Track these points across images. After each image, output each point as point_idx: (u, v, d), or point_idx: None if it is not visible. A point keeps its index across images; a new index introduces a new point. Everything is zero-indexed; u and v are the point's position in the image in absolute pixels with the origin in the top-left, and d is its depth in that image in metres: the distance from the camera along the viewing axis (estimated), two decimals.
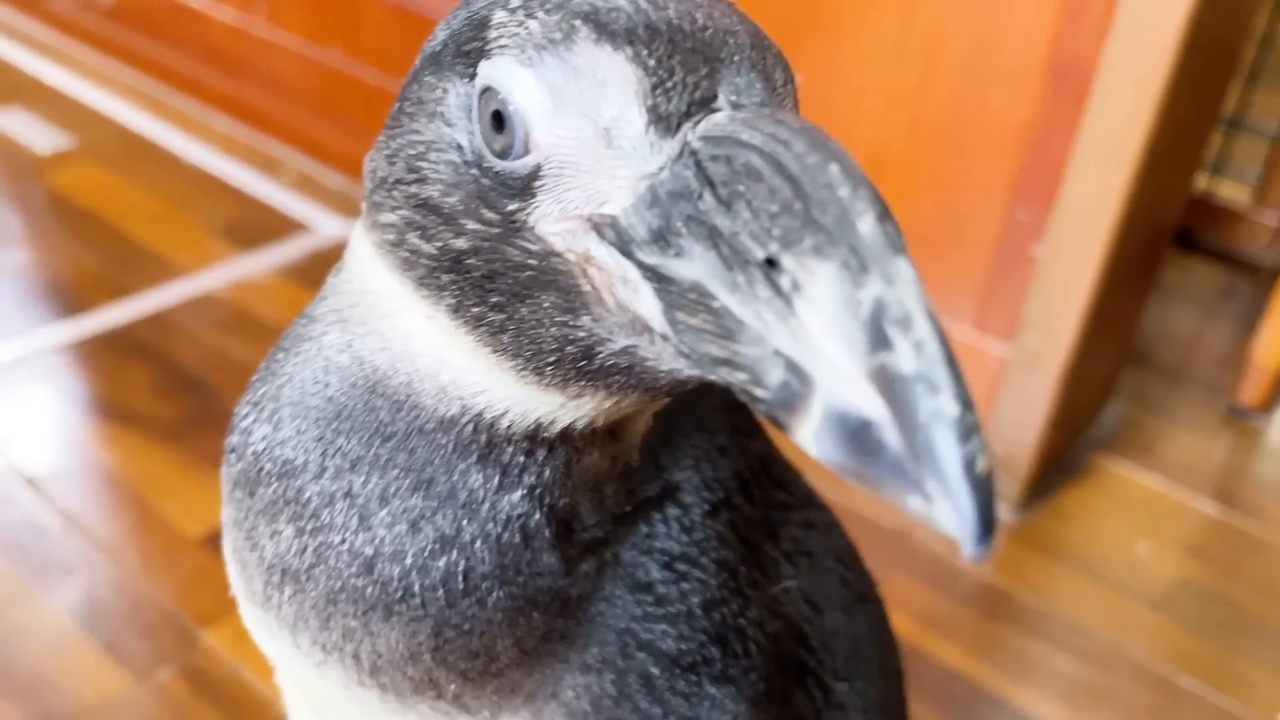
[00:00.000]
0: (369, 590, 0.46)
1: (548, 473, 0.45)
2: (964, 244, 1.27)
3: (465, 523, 0.45)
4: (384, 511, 0.46)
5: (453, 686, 0.47)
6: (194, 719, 1.01)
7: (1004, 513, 1.34)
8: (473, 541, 0.45)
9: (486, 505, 0.45)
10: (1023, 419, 1.30)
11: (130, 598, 1.11)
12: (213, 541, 1.19)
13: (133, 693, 1.02)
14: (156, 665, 1.05)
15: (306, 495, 0.47)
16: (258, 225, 1.75)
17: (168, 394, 1.39)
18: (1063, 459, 1.41)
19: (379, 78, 1.74)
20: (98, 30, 2.19)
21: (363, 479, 0.46)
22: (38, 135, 1.93)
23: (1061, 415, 1.31)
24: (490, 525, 0.45)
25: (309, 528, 0.47)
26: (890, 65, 1.23)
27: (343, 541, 0.47)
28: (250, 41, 1.90)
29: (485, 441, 0.45)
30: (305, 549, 0.47)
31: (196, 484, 1.26)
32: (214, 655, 1.06)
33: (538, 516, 0.45)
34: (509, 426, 0.44)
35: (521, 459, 0.45)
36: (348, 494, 0.46)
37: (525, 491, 0.45)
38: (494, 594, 0.45)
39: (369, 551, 0.46)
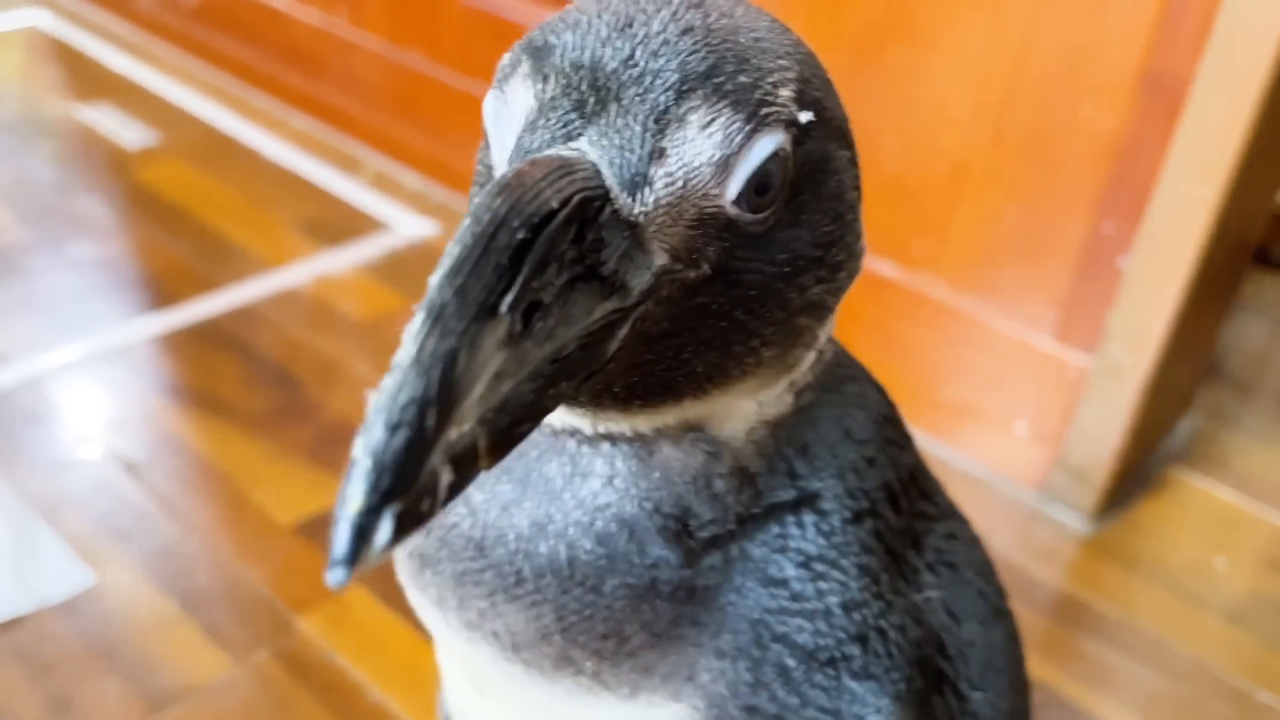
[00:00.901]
0: (486, 574, 0.48)
1: (619, 463, 0.46)
2: (1047, 255, 1.27)
3: (552, 509, 0.47)
4: (480, 496, 0.48)
5: (589, 664, 0.48)
6: (291, 701, 1.04)
7: (1079, 523, 1.35)
8: (566, 529, 0.46)
9: (567, 493, 0.46)
10: (1102, 430, 1.30)
11: (227, 583, 1.15)
12: (303, 530, 1.22)
13: (233, 674, 1.05)
14: (254, 648, 1.08)
15: None
16: (338, 223, 1.78)
17: (255, 385, 1.43)
18: (1138, 471, 1.41)
19: (459, 80, 1.77)
20: (180, 29, 2.24)
21: None
22: (125, 131, 1.98)
23: (1140, 427, 1.31)
24: (578, 513, 0.46)
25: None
26: (977, 75, 1.24)
27: (455, 525, 0.49)
28: (332, 42, 1.94)
29: (549, 432, 0.47)
30: (430, 532, 0.50)
31: (286, 474, 1.29)
32: (308, 641, 1.09)
33: (631, 508, 0.46)
34: (556, 423, 0.47)
35: (587, 450, 0.46)
36: None
37: (603, 481, 0.46)
38: (608, 582, 0.46)
39: (478, 535, 0.48)
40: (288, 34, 2.01)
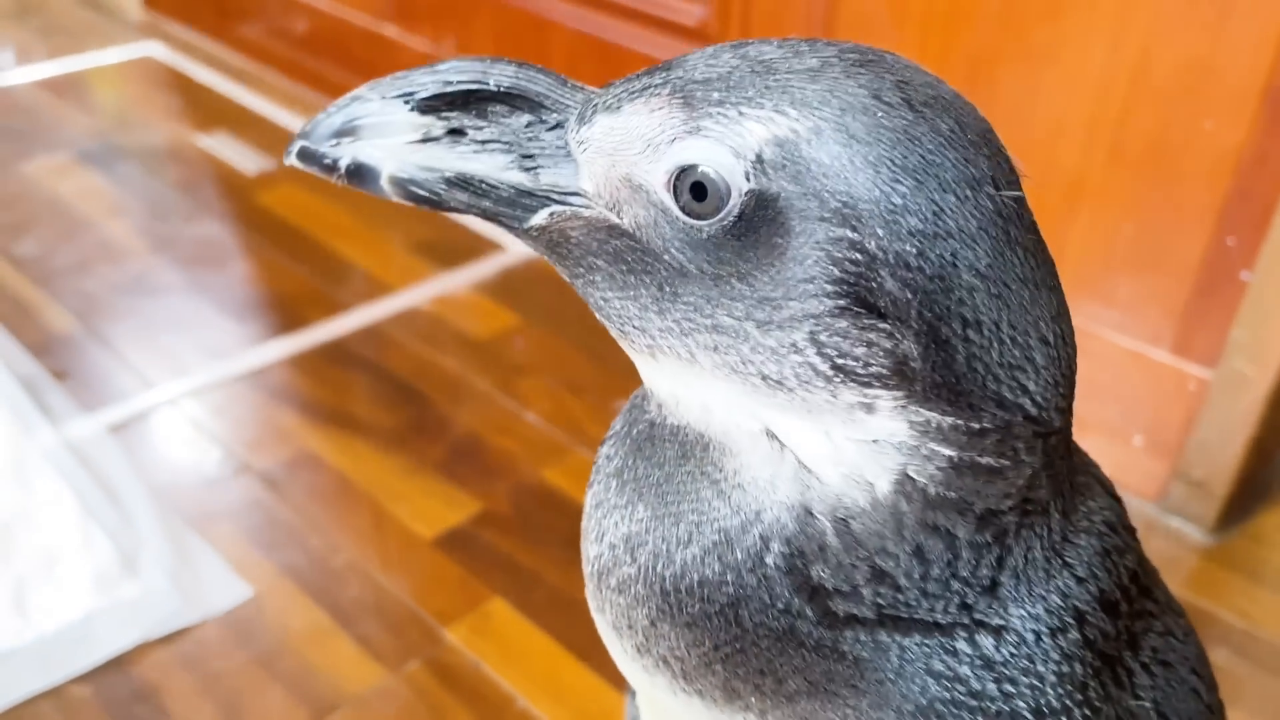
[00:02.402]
0: (639, 586, 0.50)
1: (732, 474, 0.48)
2: (1165, 269, 1.28)
3: (697, 527, 0.48)
4: (629, 492, 0.51)
5: (754, 700, 0.49)
6: (444, 708, 1.08)
7: (1199, 534, 1.35)
8: (692, 540, 0.49)
9: (709, 514, 0.48)
10: (1223, 442, 1.30)
11: (375, 595, 1.20)
12: (443, 544, 1.27)
13: (388, 682, 1.11)
14: (406, 659, 1.13)
15: (595, 499, 0.54)
16: (451, 243, 1.84)
17: (386, 403, 1.49)
18: (1257, 482, 1.41)
19: None
20: (288, 56, 2.32)
21: (620, 481, 0.52)
22: (243, 157, 2.06)
23: (1260, 439, 1.31)
24: (713, 534, 0.48)
25: (599, 529, 0.53)
26: (1095, 93, 1.26)
27: (615, 524, 0.51)
28: None
29: (688, 443, 0.49)
30: (602, 537, 0.53)
31: (422, 489, 1.35)
32: (456, 650, 1.14)
33: (750, 539, 0.47)
34: (671, 420, 0.49)
35: (698, 454, 0.49)
36: (621, 482, 0.52)
37: (731, 509, 0.48)
38: (743, 615, 0.47)
39: (628, 532, 0.51)
40: (395, 60, 2.08)
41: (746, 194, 0.42)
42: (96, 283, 1.69)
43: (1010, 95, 1.33)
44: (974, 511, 0.46)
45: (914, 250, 0.42)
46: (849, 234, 0.42)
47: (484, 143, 0.46)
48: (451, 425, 1.45)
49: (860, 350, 0.43)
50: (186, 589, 1.18)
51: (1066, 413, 0.47)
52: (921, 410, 0.44)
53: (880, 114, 0.43)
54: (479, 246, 1.83)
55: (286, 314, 1.66)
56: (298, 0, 2.23)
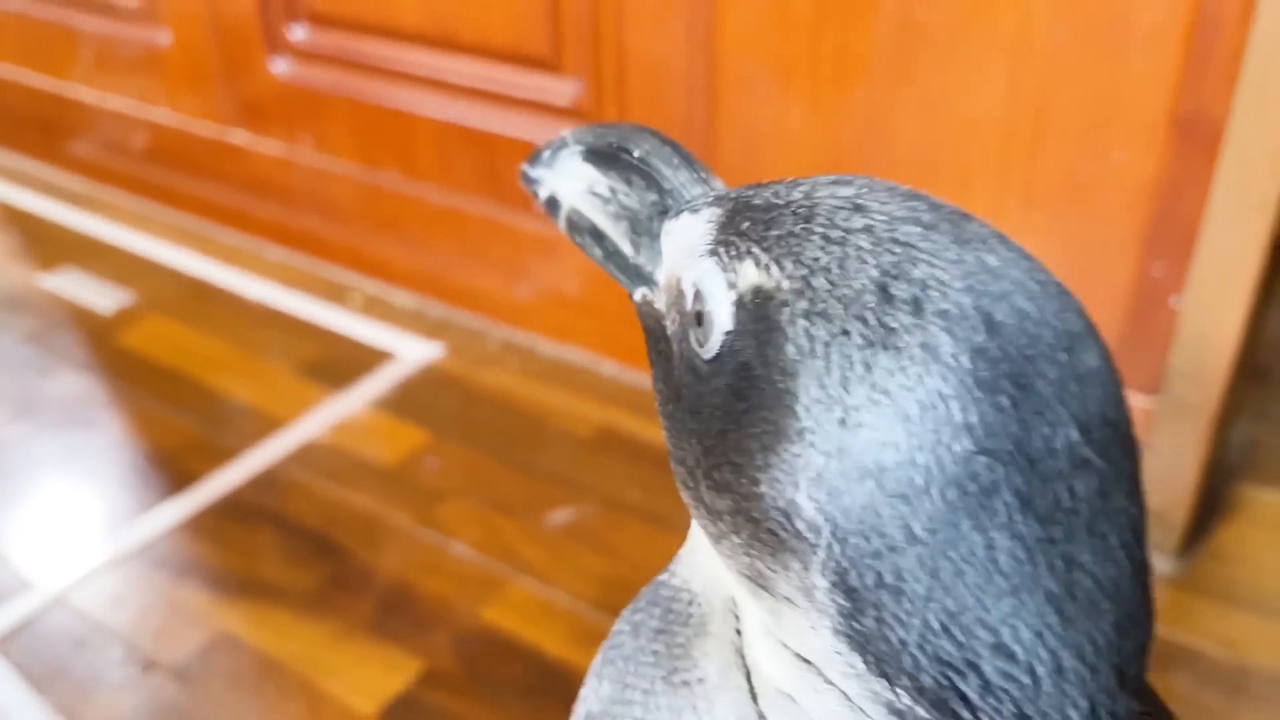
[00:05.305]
0: None
1: (700, 655, 0.45)
2: (1096, 302, 1.24)
3: None
4: (607, 683, 0.46)
5: None
6: None
7: (1164, 564, 1.32)
8: None
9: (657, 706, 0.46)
10: (1175, 469, 1.27)
11: None
12: (390, 715, 1.15)
13: None
14: None
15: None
16: (339, 360, 1.72)
17: (299, 560, 1.36)
18: (1213, 501, 1.38)
19: (440, 194, 1.71)
20: (130, 173, 2.16)
21: (607, 645, 0.49)
22: (96, 295, 1.90)
23: (1212, 460, 1.28)
24: None
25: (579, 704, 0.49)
26: (999, 136, 1.21)
27: (583, 703, 0.48)
28: (299, 171, 1.88)
29: (673, 610, 0.47)
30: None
31: (354, 656, 1.23)
32: None
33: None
34: (674, 580, 0.48)
35: (675, 627, 0.46)
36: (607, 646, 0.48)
37: (675, 706, 0.45)
38: None
39: (588, 710, 0.47)
40: (249, 168, 1.95)
41: (726, 334, 0.37)
42: None
43: (911, 146, 1.28)
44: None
45: (836, 474, 0.34)
46: (789, 414, 0.38)
47: (622, 206, 0.48)
48: (375, 574, 1.33)
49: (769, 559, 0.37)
50: None
51: None
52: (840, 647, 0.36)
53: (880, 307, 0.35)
54: (367, 359, 1.71)
55: (172, 471, 1.51)
56: (131, 115, 2.07)
